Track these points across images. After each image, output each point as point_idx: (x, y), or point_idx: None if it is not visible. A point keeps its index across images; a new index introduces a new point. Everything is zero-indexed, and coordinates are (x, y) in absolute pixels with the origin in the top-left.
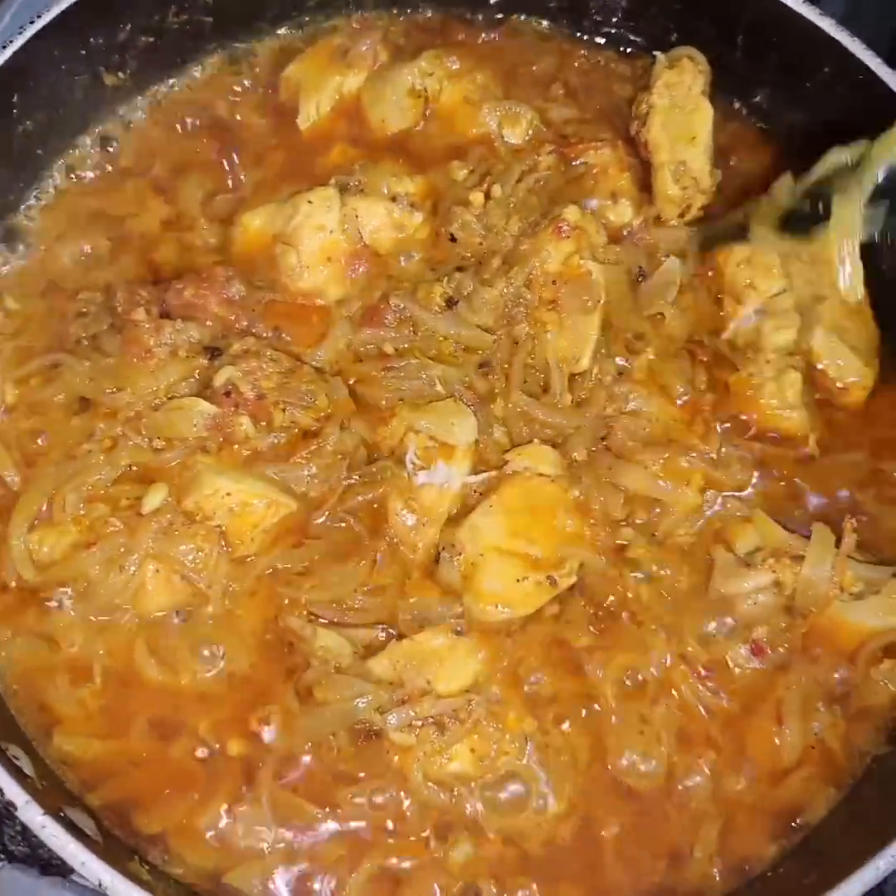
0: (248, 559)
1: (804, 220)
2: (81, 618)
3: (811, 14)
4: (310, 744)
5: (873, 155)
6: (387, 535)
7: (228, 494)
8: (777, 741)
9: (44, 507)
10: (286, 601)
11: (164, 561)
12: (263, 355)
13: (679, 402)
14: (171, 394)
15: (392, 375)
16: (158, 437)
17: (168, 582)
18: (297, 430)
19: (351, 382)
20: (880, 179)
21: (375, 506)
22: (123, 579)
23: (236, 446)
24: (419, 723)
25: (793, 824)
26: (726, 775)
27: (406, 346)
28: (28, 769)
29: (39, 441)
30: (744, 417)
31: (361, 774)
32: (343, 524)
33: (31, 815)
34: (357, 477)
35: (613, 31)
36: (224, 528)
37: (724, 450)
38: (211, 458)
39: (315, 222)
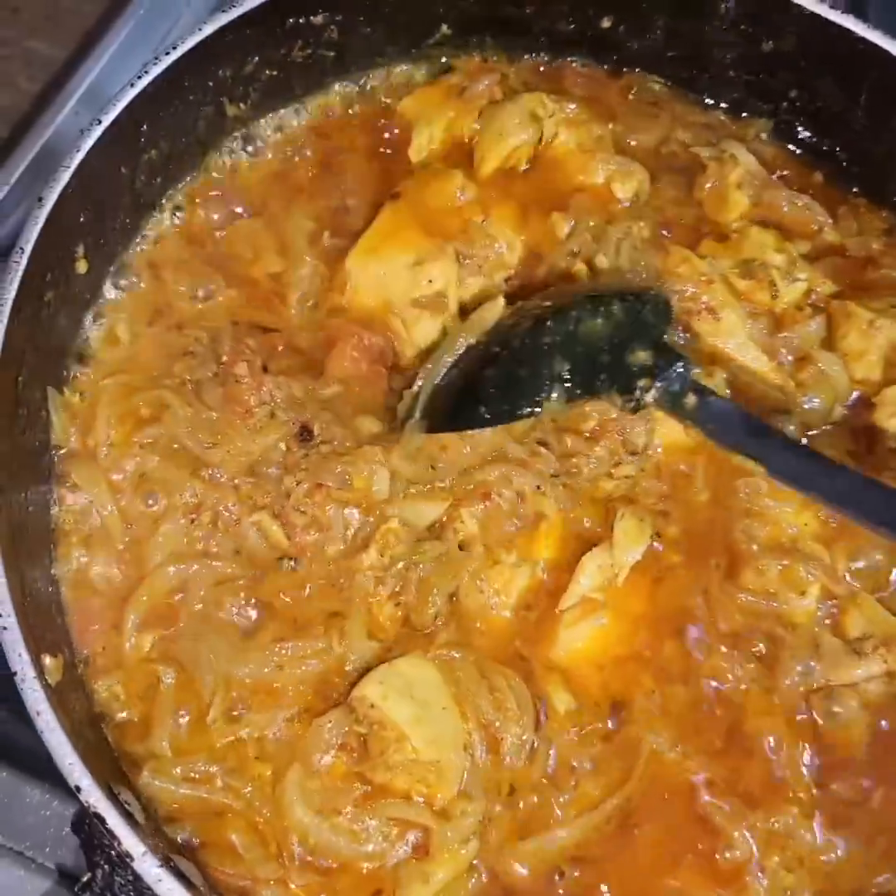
0: None
1: None
2: None
3: None
4: None
5: None
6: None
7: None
8: None
9: None
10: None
11: None
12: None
13: (822, 514)
14: (264, 457)
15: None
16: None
17: None
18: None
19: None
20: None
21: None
22: None
23: None
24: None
25: None
26: None
27: None
28: (139, 816)
29: (146, 492)
30: None
31: None
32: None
33: (148, 866)
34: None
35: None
36: None
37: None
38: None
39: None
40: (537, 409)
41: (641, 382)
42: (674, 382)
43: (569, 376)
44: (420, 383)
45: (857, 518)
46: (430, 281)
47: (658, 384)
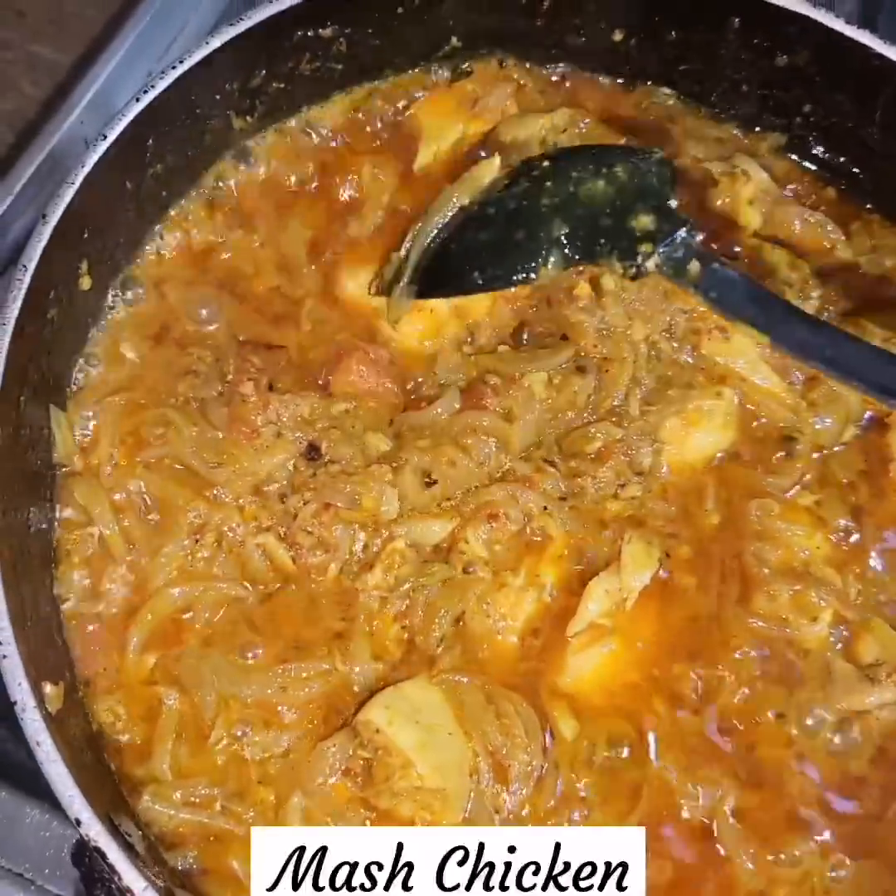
0: None
1: None
2: None
3: None
4: None
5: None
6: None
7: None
8: None
9: None
10: None
11: None
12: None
13: (833, 537)
14: (271, 477)
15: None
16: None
17: None
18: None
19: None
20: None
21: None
22: None
23: None
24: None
25: None
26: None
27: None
28: (140, 847)
29: (147, 506)
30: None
31: None
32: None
33: None
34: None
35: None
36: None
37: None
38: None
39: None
40: (533, 276)
41: (643, 247)
42: (677, 248)
43: (567, 240)
44: (408, 245)
45: (863, 387)
46: None
47: (661, 250)
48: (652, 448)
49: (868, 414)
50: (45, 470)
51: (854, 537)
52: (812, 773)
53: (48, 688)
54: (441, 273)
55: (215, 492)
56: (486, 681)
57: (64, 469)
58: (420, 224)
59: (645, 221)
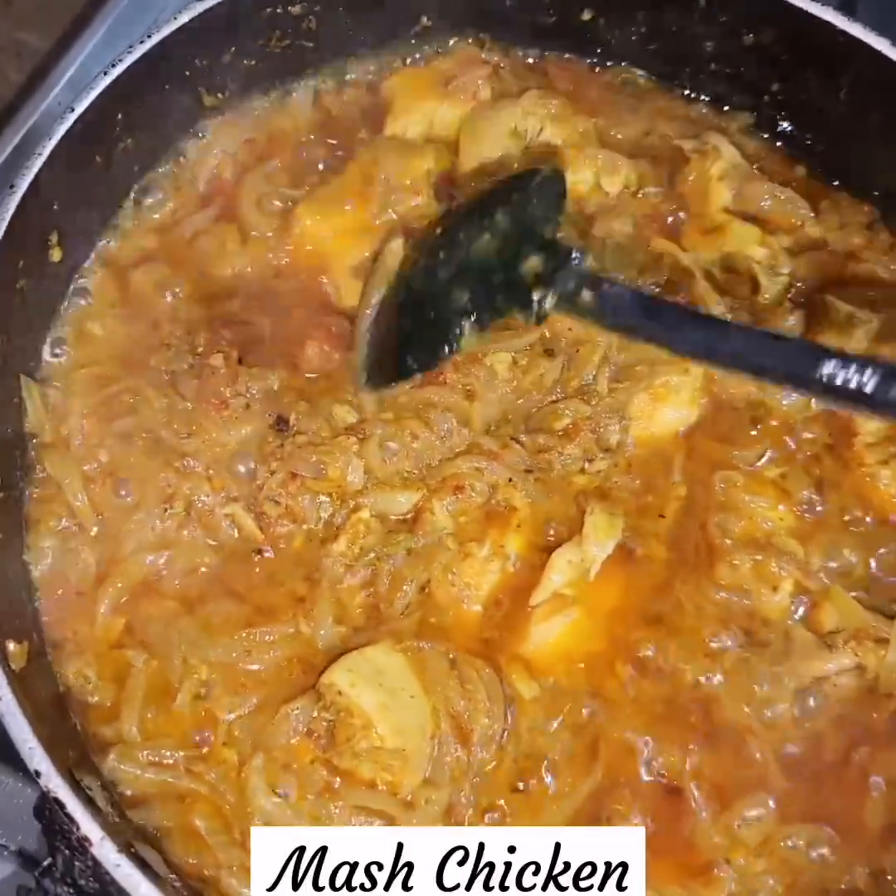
0: None
1: None
2: None
3: None
4: None
5: None
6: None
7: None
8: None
9: None
10: None
11: None
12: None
13: (797, 509)
14: (240, 448)
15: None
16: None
17: None
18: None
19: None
20: None
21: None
22: None
23: None
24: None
25: None
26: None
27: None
28: (101, 802)
29: (117, 476)
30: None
31: None
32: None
33: (106, 852)
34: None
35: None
36: None
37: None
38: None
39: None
40: (456, 346)
41: (536, 294)
42: (567, 282)
43: (472, 307)
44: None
45: (760, 376)
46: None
47: (553, 291)
48: (620, 425)
49: None
50: (16, 439)
51: (817, 509)
52: (772, 738)
53: (12, 645)
54: (382, 364)
55: (185, 462)
56: (449, 647)
57: (35, 439)
58: (357, 327)
59: (534, 263)
